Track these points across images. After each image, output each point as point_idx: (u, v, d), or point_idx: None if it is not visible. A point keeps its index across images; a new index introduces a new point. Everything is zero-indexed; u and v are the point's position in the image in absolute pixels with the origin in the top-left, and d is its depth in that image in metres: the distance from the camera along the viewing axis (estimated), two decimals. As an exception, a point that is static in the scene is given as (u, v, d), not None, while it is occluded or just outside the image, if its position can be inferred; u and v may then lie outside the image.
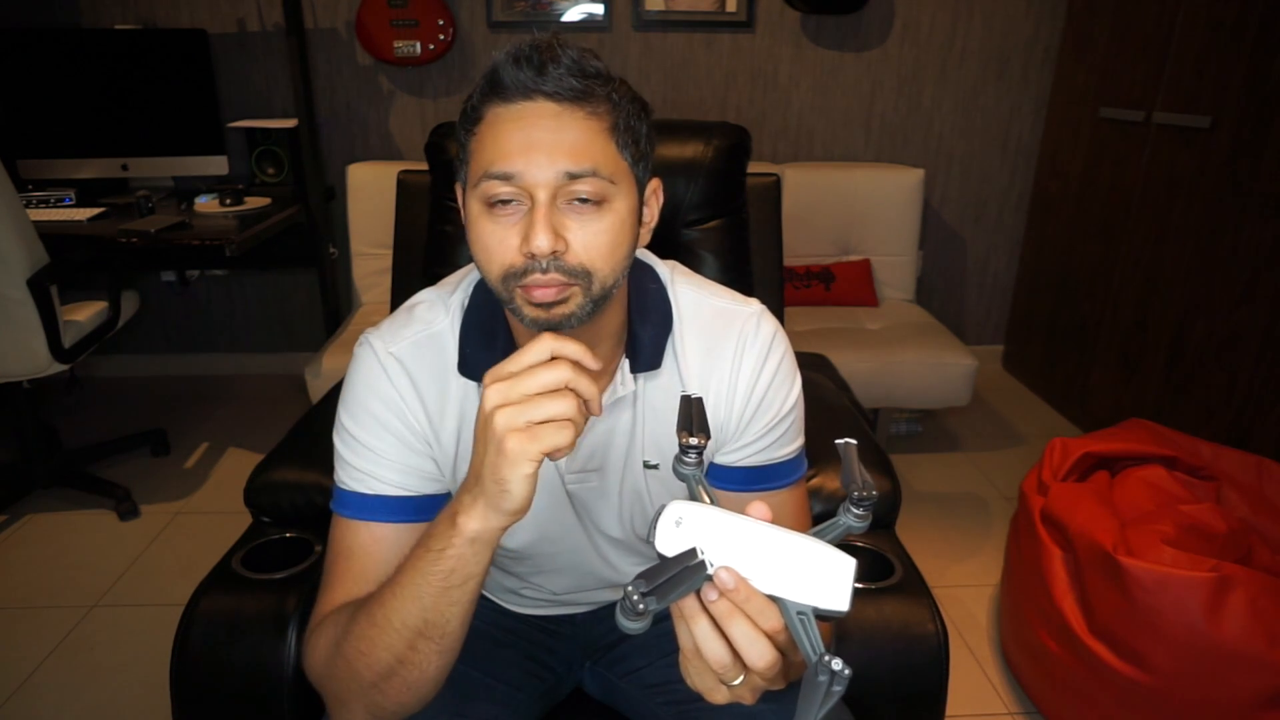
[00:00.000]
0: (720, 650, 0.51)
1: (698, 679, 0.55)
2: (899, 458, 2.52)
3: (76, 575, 1.96)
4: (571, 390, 0.59)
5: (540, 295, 0.67)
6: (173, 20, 2.71)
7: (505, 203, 0.67)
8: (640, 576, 0.49)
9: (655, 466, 0.83)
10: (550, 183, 0.65)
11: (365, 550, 0.75)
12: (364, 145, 2.89)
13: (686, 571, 0.50)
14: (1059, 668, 1.47)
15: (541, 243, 0.65)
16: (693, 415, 0.57)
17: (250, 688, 0.92)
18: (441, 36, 2.67)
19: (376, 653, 0.66)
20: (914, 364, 2.36)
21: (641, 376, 0.80)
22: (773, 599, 0.51)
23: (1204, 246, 2.17)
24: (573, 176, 0.66)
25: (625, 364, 0.79)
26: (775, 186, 1.46)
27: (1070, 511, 1.48)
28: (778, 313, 1.42)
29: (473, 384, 0.78)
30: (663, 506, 0.53)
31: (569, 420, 0.58)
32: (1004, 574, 1.76)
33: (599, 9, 2.76)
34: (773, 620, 0.51)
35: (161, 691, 0.96)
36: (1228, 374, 2.09)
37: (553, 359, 0.60)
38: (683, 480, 0.56)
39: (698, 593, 0.51)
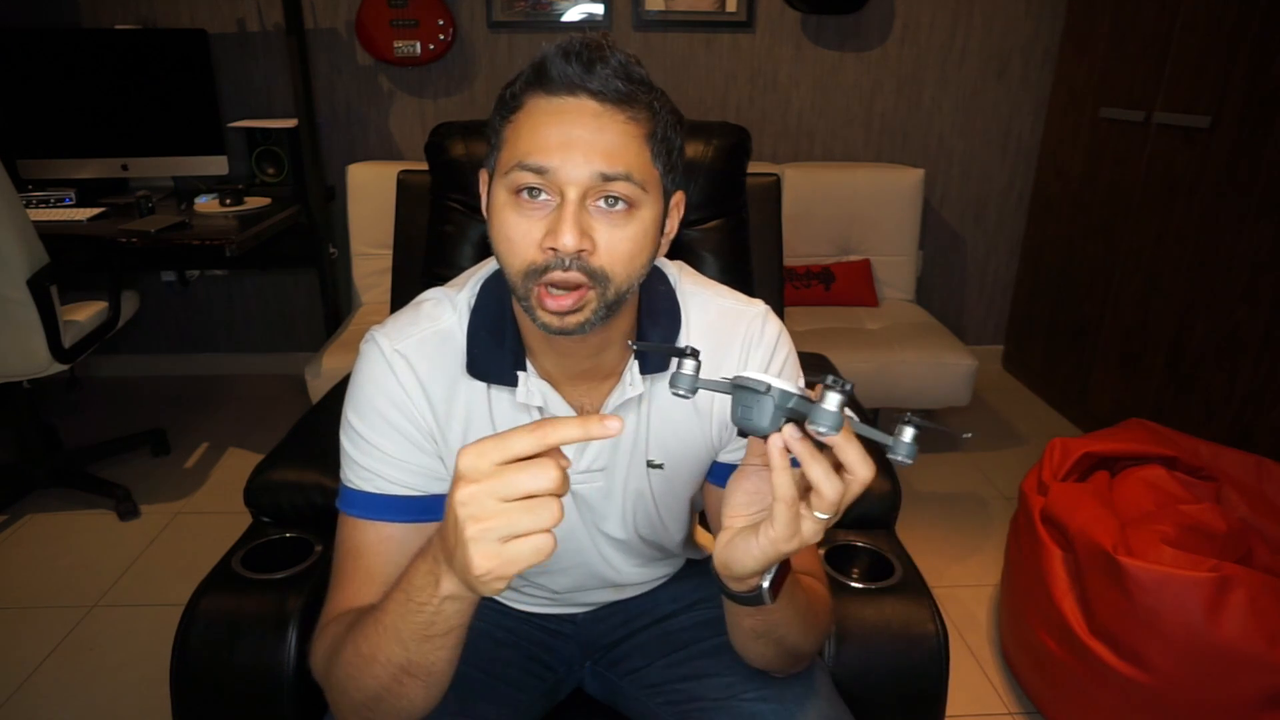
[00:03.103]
0: (837, 482, 0.55)
1: (783, 528, 0.58)
2: (899, 458, 2.52)
3: (76, 575, 1.96)
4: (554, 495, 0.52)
5: (555, 304, 0.67)
6: (173, 20, 2.71)
7: (534, 194, 0.66)
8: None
9: (660, 466, 0.83)
10: (583, 182, 0.65)
11: (373, 550, 0.75)
12: (364, 145, 2.89)
13: (800, 401, 0.55)
14: (1059, 668, 1.47)
15: (568, 240, 0.64)
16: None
17: (250, 688, 0.92)
18: (441, 36, 2.67)
19: (363, 679, 0.66)
20: (914, 364, 2.36)
21: (649, 378, 0.80)
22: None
23: (1204, 246, 2.17)
24: (606, 178, 0.65)
25: (634, 365, 0.79)
26: (775, 186, 1.46)
27: (1070, 511, 1.48)
28: (778, 312, 1.42)
29: (481, 384, 0.78)
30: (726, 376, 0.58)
31: (547, 531, 0.52)
32: (1004, 574, 1.76)
33: (599, 9, 2.76)
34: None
35: (161, 691, 0.96)
36: (1228, 374, 2.09)
37: (542, 448, 0.52)
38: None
39: (805, 436, 0.55)
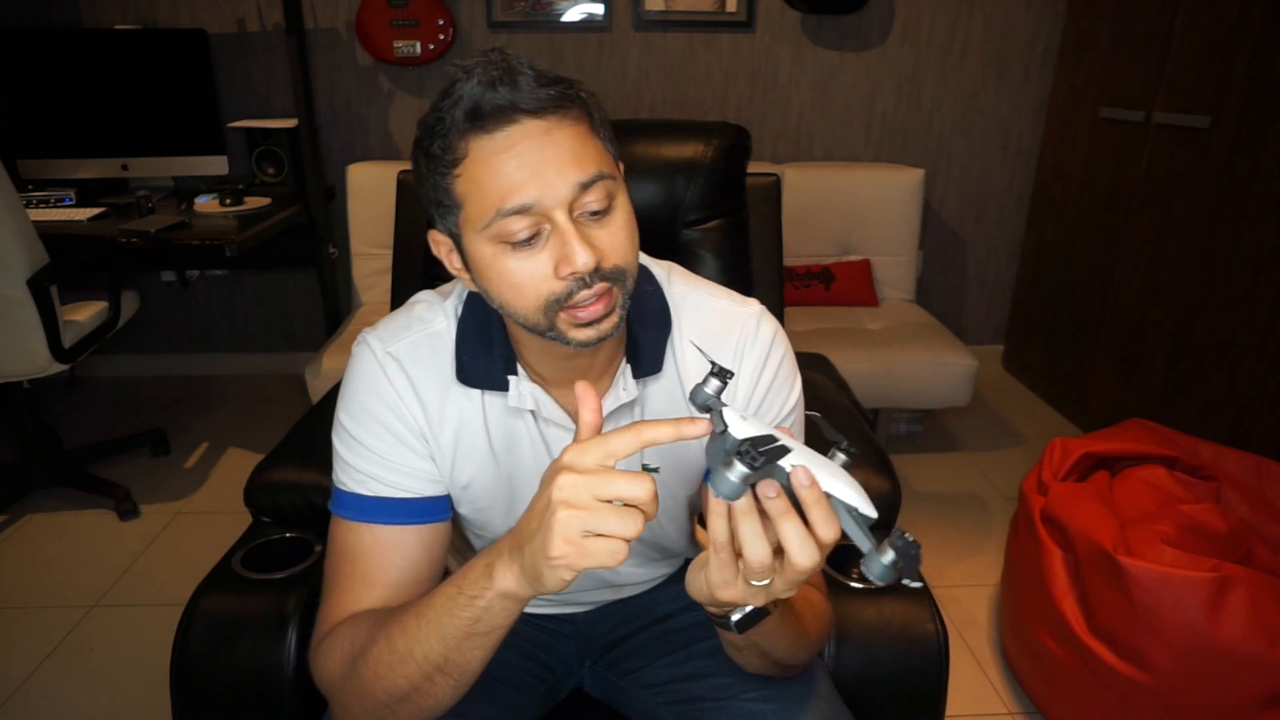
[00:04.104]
0: (764, 550, 0.54)
1: (716, 574, 0.57)
2: (899, 458, 2.52)
3: (76, 575, 1.96)
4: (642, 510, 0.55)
5: (588, 314, 0.67)
6: (173, 20, 2.71)
7: (530, 241, 0.65)
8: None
9: (656, 469, 0.83)
10: (566, 199, 0.65)
11: (368, 553, 0.75)
12: (364, 145, 2.89)
13: (773, 450, 0.52)
14: (1059, 668, 1.47)
15: (585, 260, 0.64)
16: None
17: (250, 688, 0.92)
18: (441, 36, 2.67)
19: (393, 679, 0.66)
20: (914, 364, 2.36)
21: (641, 381, 0.80)
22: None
23: (1204, 246, 2.17)
24: (584, 186, 0.65)
25: (627, 370, 0.79)
26: (775, 186, 1.46)
27: (1070, 511, 1.48)
28: (778, 313, 1.42)
29: (474, 391, 0.78)
30: (722, 406, 0.56)
31: (625, 540, 0.55)
32: (1004, 574, 1.76)
33: (599, 9, 2.76)
34: (833, 530, 0.53)
35: (161, 691, 0.96)
36: (1228, 374, 2.09)
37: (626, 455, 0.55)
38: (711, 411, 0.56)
39: (753, 489, 0.53)
